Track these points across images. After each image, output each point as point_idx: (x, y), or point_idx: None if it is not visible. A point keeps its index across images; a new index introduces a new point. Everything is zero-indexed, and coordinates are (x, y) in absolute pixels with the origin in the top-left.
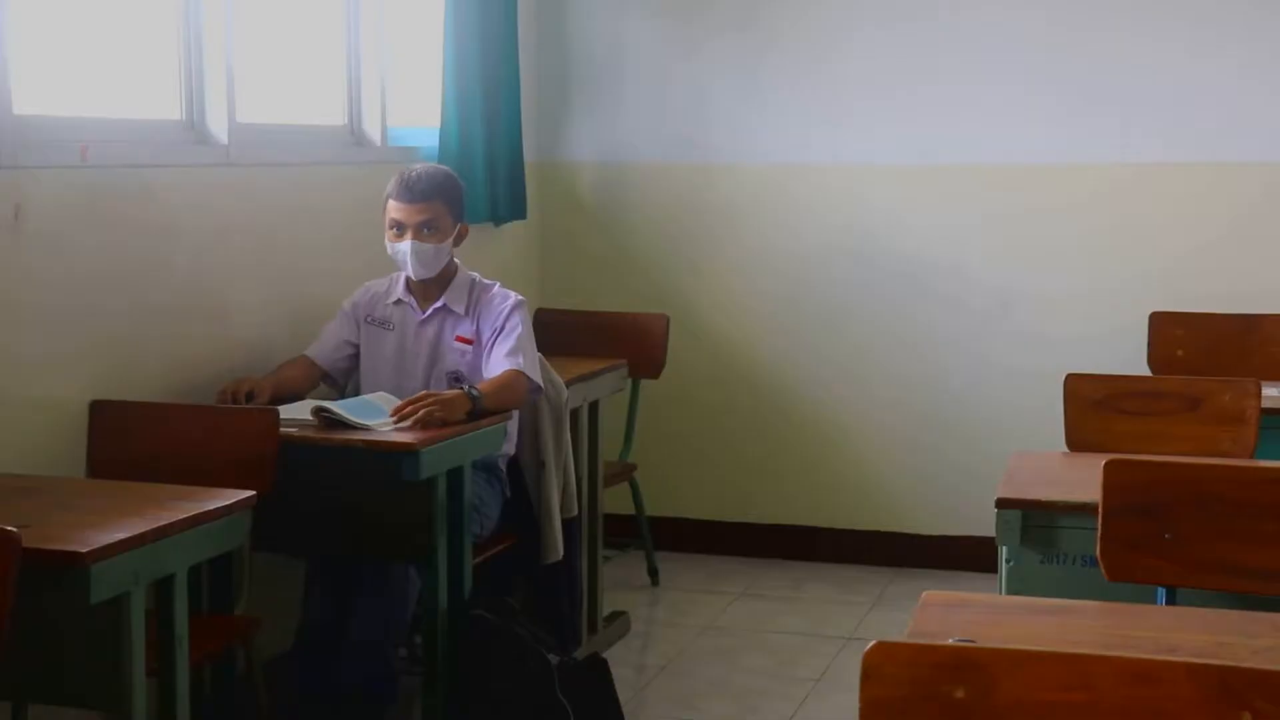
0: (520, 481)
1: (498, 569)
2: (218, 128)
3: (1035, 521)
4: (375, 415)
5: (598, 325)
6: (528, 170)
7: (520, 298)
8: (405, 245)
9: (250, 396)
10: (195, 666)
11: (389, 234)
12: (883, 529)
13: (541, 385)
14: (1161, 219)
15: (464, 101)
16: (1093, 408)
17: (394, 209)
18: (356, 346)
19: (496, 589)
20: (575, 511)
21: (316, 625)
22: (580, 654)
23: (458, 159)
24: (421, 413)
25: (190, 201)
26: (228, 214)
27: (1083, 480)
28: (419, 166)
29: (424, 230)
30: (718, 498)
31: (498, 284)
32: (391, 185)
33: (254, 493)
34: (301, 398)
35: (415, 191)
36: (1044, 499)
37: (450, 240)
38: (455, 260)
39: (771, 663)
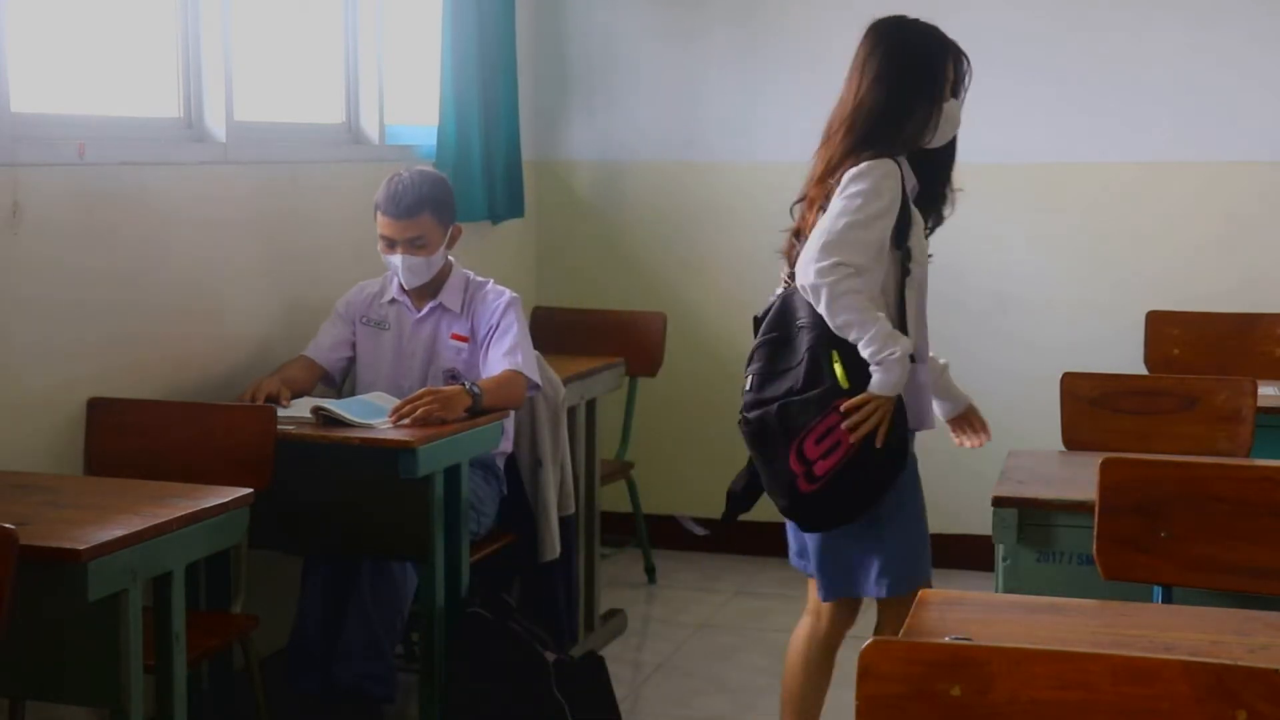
0: (517, 479)
1: (494, 567)
2: (215, 125)
3: (1031, 520)
4: (374, 415)
5: (595, 323)
6: (525, 168)
7: (514, 295)
8: (396, 259)
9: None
10: (192, 664)
11: (380, 244)
12: None
13: (539, 383)
14: (1159, 218)
15: (462, 99)
16: (1089, 406)
17: (382, 224)
18: (354, 345)
19: (493, 587)
20: (572, 509)
21: (313, 623)
22: (577, 652)
23: (455, 157)
24: (421, 410)
25: (188, 199)
26: (225, 212)
27: (1079, 479)
28: (405, 176)
29: (412, 245)
30: (714, 496)
31: (491, 281)
32: (380, 195)
33: (251, 490)
34: (304, 397)
35: (401, 208)
36: (1040, 497)
37: (441, 249)
38: (450, 258)
39: (768, 660)
